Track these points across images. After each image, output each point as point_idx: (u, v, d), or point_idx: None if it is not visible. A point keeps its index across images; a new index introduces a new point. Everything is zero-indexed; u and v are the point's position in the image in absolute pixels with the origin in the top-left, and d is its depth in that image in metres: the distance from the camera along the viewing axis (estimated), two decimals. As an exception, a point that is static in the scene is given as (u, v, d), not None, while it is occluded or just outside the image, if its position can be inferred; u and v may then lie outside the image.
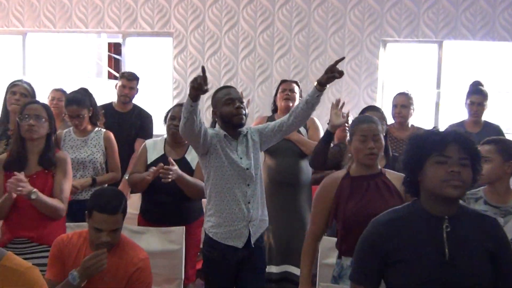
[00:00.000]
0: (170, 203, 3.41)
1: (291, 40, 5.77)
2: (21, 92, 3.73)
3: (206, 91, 2.59)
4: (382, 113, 3.56)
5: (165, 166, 3.15)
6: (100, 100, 4.14)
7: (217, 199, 2.94)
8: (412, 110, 4.27)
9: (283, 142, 3.93)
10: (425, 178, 1.90)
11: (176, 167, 3.19)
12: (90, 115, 3.72)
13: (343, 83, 5.72)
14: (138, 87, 4.68)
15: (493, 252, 1.89)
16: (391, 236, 1.92)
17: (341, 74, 2.85)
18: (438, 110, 5.72)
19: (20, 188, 2.78)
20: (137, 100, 4.79)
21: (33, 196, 2.82)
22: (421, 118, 5.12)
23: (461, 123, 4.42)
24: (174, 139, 3.48)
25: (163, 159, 3.36)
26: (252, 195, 2.96)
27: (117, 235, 2.52)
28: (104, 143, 3.73)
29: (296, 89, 4.28)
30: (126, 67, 6.04)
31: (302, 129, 4.16)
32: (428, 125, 4.96)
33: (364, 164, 2.68)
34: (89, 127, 3.75)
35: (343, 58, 2.94)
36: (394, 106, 4.28)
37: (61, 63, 6.42)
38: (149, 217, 3.54)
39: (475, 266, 1.87)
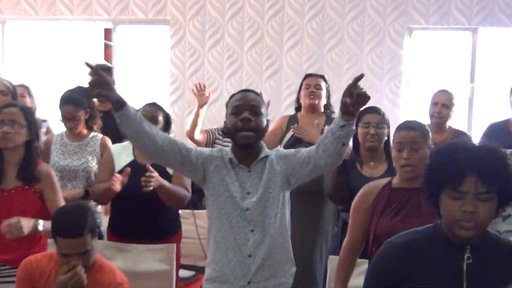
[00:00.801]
0: (144, 217, 3.18)
1: (304, 27, 5.42)
2: (1, 90, 3.65)
3: (100, 94, 2.07)
4: (383, 115, 3.30)
5: (147, 174, 2.88)
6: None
7: (213, 245, 2.38)
8: (452, 112, 4.01)
9: (306, 145, 3.89)
10: (441, 207, 1.78)
11: (156, 174, 2.90)
12: (86, 117, 3.52)
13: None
14: (113, 77, 4.46)
15: None
16: (405, 262, 1.81)
17: (361, 100, 2.06)
18: (472, 107, 5.39)
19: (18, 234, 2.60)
20: (128, 96, 4.39)
21: (40, 228, 2.68)
22: (453, 117, 4.77)
23: (505, 122, 4.11)
24: None
25: (133, 164, 3.16)
26: (257, 246, 2.30)
27: (88, 257, 2.39)
28: (100, 150, 3.53)
29: (323, 84, 3.97)
30: (118, 60, 5.75)
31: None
32: (460, 125, 4.67)
33: (401, 176, 2.55)
34: (85, 131, 3.55)
35: (362, 76, 2.09)
36: (434, 104, 3.98)
37: (48, 54, 6.07)
38: (119, 232, 3.32)
39: None
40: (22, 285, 2.48)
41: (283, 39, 5.44)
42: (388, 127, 3.34)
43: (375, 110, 3.39)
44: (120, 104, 2.10)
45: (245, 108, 2.30)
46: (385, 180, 2.63)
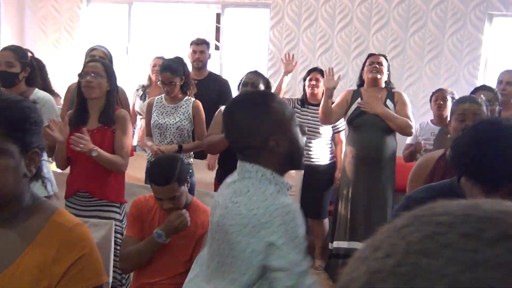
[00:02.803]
0: None
1: (390, 12, 5.44)
2: (99, 56, 3.76)
3: None
4: (495, 93, 3.31)
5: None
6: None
7: None
8: None
9: (369, 116, 3.91)
10: (466, 185, 1.70)
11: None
12: (182, 83, 3.70)
13: (442, 58, 5.34)
14: (209, 52, 4.67)
15: None
16: None
17: None
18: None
19: (81, 145, 2.81)
20: (232, 70, 4.80)
21: (93, 154, 2.86)
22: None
23: None
24: None
25: None
26: None
27: (177, 201, 2.53)
28: (192, 111, 3.70)
29: (384, 62, 4.07)
30: (225, 37, 6.02)
31: (389, 104, 3.97)
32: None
33: None
34: (180, 95, 3.73)
35: None
36: (500, 82, 4.06)
37: (169, 33, 6.42)
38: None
39: None
40: (134, 220, 2.66)
41: (370, 22, 5.47)
42: (500, 105, 3.25)
43: (487, 88, 3.32)
44: None
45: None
46: (439, 152, 2.59)
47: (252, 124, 1.60)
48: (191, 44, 4.66)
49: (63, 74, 5.65)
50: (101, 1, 6.31)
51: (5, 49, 3.28)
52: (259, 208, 1.53)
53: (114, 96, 3.08)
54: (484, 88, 3.40)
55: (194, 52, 4.56)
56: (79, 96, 3.05)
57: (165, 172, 2.49)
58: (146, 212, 2.63)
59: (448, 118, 2.79)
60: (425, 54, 5.40)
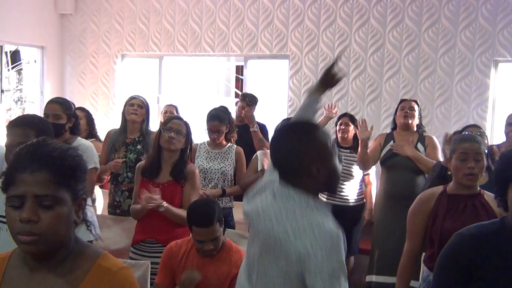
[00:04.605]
0: None
1: (401, 61, 5.57)
2: (138, 104, 3.85)
3: None
4: (483, 131, 3.37)
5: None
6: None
7: None
8: None
9: (401, 158, 3.97)
10: (509, 200, 1.72)
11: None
12: (226, 131, 3.76)
13: (452, 102, 5.42)
14: (256, 107, 4.69)
15: None
16: (474, 252, 1.73)
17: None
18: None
19: (151, 204, 2.88)
20: (256, 116, 4.80)
21: (161, 209, 2.91)
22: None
23: None
24: None
25: None
26: None
27: (218, 242, 2.54)
28: (235, 157, 3.74)
29: (416, 107, 4.14)
30: (248, 87, 6.18)
31: (420, 147, 4.03)
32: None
33: (462, 184, 2.48)
34: (224, 142, 3.78)
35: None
36: (508, 124, 4.03)
37: (194, 83, 6.66)
38: None
39: None
40: (164, 267, 2.63)
41: (383, 70, 5.58)
42: (487, 139, 3.31)
43: (475, 126, 3.42)
44: None
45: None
46: (439, 188, 2.54)
47: (298, 150, 1.62)
48: (242, 100, 4.65)
49: (101, 123, 5.86)
50: (134, 56, 6.58)
51: (53, 102, 3.34)
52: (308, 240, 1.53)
53: (186, 153, 3.13)
54: (471, 126, 3.54)
55: (242, 107, 4.55)
56: (155, 148, 3.11)
57: (207, 213, 2.48)
58: (178, 259, 2.61)
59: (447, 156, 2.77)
60: (435, 99, 5.48)
